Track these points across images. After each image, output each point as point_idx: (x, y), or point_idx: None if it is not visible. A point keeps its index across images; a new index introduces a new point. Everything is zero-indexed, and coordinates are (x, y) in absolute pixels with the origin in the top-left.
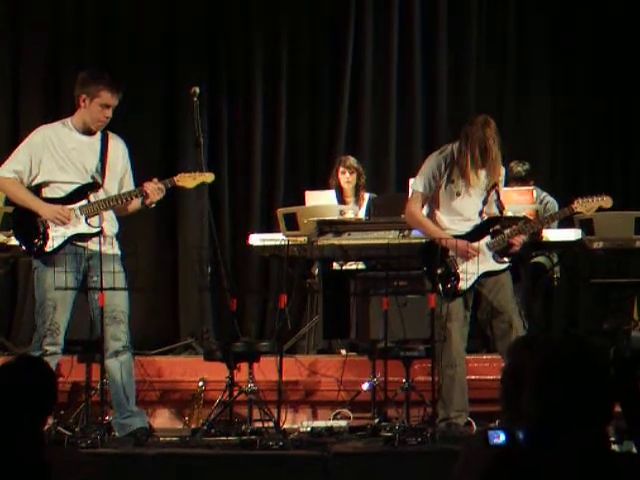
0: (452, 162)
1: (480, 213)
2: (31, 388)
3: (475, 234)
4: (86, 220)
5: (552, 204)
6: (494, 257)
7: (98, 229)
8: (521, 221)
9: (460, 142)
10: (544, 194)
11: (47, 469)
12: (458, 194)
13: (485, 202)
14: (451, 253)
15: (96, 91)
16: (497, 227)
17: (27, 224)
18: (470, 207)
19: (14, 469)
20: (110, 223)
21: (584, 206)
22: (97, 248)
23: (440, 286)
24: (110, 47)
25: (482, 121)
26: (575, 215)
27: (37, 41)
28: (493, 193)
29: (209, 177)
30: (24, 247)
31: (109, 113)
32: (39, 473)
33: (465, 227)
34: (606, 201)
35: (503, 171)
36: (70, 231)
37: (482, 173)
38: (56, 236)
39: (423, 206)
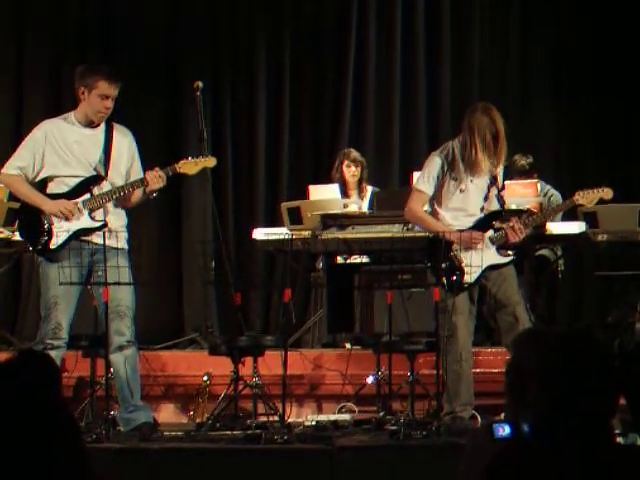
0: (453, 159)
1: (482, 209)
2: (35, 383)
3: (477, 229)
4: (90, 214)
5: (556, 197)
6: (498, 251)
7: (102, 223)
8: (524, 214)
9: (464, 134)
10: (548, 187)
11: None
12: (461, 191)
13: (486, 198)
14: (455, 247)
15: (94, 82)
16: (499, 223)
17: (32, 221)
18: (472, 203)
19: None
20: (116, 216)
21: (585, 198)
22: (102, 242)
23: (445, 280)
24: (113, 42)
25: (483, 107)
26: (577, 207)
27: (40, 39)
28: (493, 189)
29: (211, 162)
30: (29, 245)
31: (109, 104)
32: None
33: (468, 223)
34: (606, 192)
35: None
36: (74, 226)
37: (489, 161)
38: (60, 232)
39: (425, 203)
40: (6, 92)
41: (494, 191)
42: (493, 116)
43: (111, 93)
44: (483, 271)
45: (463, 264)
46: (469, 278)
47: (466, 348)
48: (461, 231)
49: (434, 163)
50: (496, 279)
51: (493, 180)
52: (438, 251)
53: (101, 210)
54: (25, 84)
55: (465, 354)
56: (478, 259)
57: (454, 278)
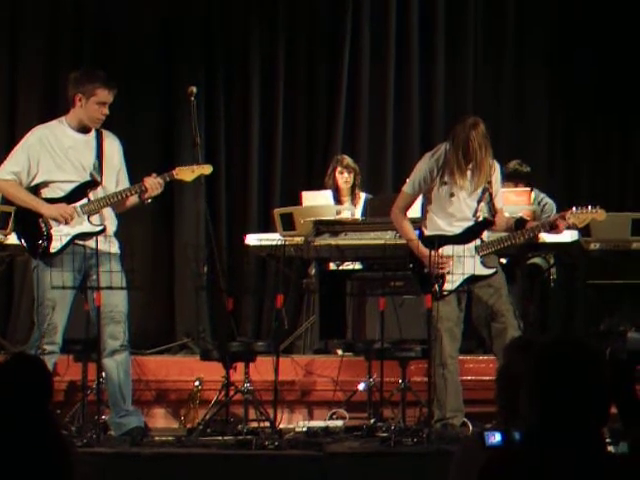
0: (444, 163)
1: (475, 213)
2: (27, 387)
3: (465, 236)
4: (88, 219)
5: (550, 205)
6: (482, 262)
7: (101, 227)
8: (509, 234)
9: (449, 141)
10: (542, 195)
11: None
12: (452, 195)
13: (480, 201)
14: (440, 252)
15: (92, 89)
16: (485, 239)
17: (30, 225)
18: (464, 208)
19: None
20: (110, 221)
21: (577, 217)
22: (97, 247)
23: (427, 285)
24: (107, 47)
25: (470, 123)
26: (568, 224)
27: (35, 42)
28: (486, 195)
29: (207, 169)
30: (28, 249)
31: (106, 110)
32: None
33: (460, 229)
34: (600, 214)
35: (498, 174)
36: (74, 230)
37: (469, 175)
38: (60, 236)
39: (409, 207)
40: (0, 93)
41: (487, 198)
42: (472, 135)
43: (109, 100)
44: (464, 280)
45: (445, 271)
46: (450, 286)
47: (449, 354)
48: (449, 238)
49: (424, 166)
50: (492, 294)
51: (487, 186)
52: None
53: (97, 215)
54: (19, 88)
55: (450, 360)
56: (460, 267)
57: (435, 286)
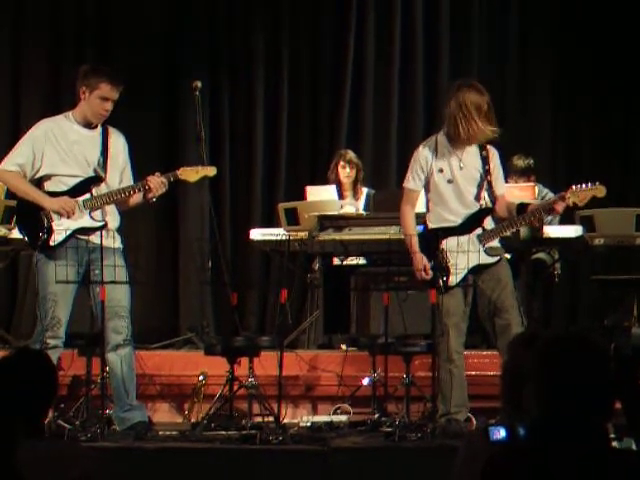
0: (436, 150)
1: (477, 199)
2: (31, 381)
3: (467, 226)
4: (89, 214)
5: None
6: (486, 251)
7: (102, 223)
8: (513, 217)
9: (455, 112)
10: (546, 190)
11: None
12: (450, 181)
13: (480, 187)
14: (442, 246)
15: (96, 83)
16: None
17: (31, 218)
18: (465, 193)
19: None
20: (112, 217)
21: (577, 196)
22: (99, 241)
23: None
24: (111, 42)
25: (466, 84)
26: (573, 209)
27: (37, 40)
28: (486, 183)
29: (211, 171)
30: (28, 241)
31: (109, 106)
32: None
33: (462, 217)
34: (600, 190)
35: (497, 159)
36: (75, 224)
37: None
38: (60, 230)
39: (416, 201)
40: (3, 93)
41: (486, 185)
42: (479, 88)
43: (112, 96)
44: (469, 271)
45: (450, 264)
46: (454, 279)
47: (456, 349)
48: (451, 229)
49: (418, 158)
50: (495, 286)
51: (486, 169)
52: (425, 248)
53: (99, 210)
54: (22, 84)
55: (456, 355)
56: (464, 260)
57: (440, 280)
